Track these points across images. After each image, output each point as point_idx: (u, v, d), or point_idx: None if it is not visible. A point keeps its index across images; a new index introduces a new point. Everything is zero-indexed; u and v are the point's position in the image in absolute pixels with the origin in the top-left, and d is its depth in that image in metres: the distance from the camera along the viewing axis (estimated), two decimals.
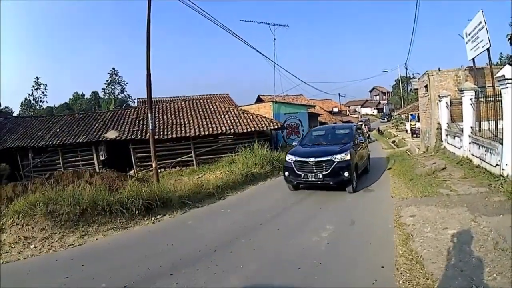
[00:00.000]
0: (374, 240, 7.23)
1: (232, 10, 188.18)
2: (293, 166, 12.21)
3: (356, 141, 13.25)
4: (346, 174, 11.48)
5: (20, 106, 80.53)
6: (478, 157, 11.86)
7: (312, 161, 11.86)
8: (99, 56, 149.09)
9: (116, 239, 8.75)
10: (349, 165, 11.63)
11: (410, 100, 61.51)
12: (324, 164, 11.70)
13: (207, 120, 23.42)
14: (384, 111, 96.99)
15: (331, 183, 11.69)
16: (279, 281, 5.76)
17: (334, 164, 11.51)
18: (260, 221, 9.38)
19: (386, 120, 75.37)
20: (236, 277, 5.95)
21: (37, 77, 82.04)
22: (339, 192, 12.09)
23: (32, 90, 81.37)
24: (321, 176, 11.60)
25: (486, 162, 10.94)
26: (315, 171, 11.80)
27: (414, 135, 32.06)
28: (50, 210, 9.23)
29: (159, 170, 14.86)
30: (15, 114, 64.86)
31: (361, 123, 49.89)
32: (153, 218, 10.27)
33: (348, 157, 11.72)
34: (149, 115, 14.10)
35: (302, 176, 11.95)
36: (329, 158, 11.67)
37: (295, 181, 12.40)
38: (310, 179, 11.86)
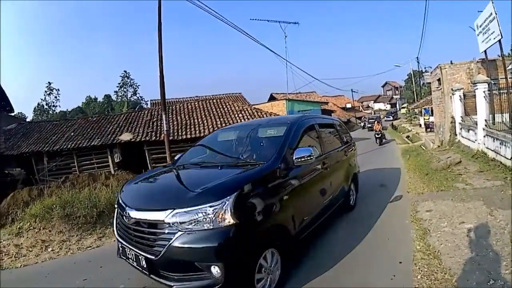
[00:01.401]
0: (391, 235, 7.22)
1: (243, 9, 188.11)
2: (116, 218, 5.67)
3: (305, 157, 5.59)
4: (215, 271, 4.16)
5: (33, 111, 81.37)
6: (493, 150, 11.80)
7: (133, 218, 4.78)
8: (110, 60, 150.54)
9: None
10: (226, 246, 4.17)
11: (423, 94, 60.97)
12: (147, 235, 4.64)
13: (221, 119, 23.36)
14: (397, 106, 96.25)
15: None
16: None
17: (170, 242, 4.25)
18: None
19: (391, 118, 71.90)
20: None
21: (49, 82, 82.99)
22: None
23: (44, 95, 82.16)
24: (144, 265, 4.64)
25: (501, 155, 10.88)
26: (134, 244, 4.80)
27: (428, 130, 31.79)
28: (67, 213, 9.38)
29: None
30: (28, 120, 65.44)
31: (372, 120, 51.47)
32: None
33: (230, 220, 4.22)
34: (163, 116, 14.22)
35: (121, 249, 5.23)
36: (160, 216, 4.43)
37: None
38: (131, 261, 4.95)
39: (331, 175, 7.38)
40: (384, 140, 31.33)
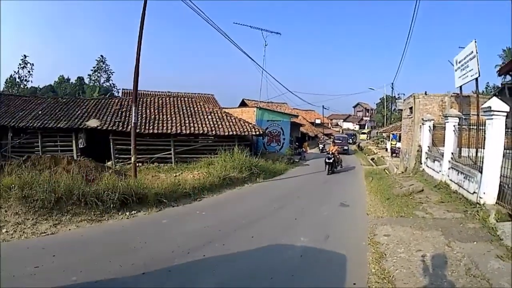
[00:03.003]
0: (347, 256, 7.24)
1: (225, 10, 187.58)
2: None
3: None
4: None
5: (5, 83, 78.81)
6: (456, 183, 11.99)
7: None
8: (88, 41, 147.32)
9: (89, 231, 8.65)
10: None
11: (393, 119, 62.01)
12: None
13: (190, 119, 23.40)
14: (366, 127, 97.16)
15: None
16: None
17: None
18: (234, 227, 9.35)
19: (350, 141, 69.49)
20: (207, 282, 5.91)
21: (24, 55, 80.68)
22: (315, 205, 12.22)
23: (18, 68, 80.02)
24: None
25: (464, 189, 11.06)
26: None
27: (394, 154, 32.25)
28: (25, 195, 9.13)
29: (136, 165, 14.71)
30: None
31: (339, 140, 44.70)
32: (127, 213, 10.21)
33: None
34: (133, 108, 14.06)
35: None
36: None
37: None
38: None
39: None
40: (340, 167, 24.61)
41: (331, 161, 22.32)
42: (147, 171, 18.50)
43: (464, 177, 11.19)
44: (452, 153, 13.20)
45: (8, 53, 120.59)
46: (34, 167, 11.65)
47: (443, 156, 13.81)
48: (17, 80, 79.85)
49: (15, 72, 79.90)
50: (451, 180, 12.64)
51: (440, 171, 14.08)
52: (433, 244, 7.36)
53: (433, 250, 6.99)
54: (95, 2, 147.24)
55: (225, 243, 7.99)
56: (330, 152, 23.04)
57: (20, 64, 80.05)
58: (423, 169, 17.35)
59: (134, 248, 7.44)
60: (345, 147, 43.84)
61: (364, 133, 79.98)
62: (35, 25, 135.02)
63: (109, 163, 19.14)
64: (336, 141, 44.11)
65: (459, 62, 15.90)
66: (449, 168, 12.98)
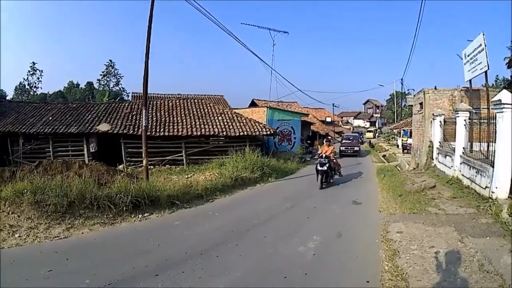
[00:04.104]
0: (360, 253, 7.24)
1: (233, 11, 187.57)
2: None
3: None
4: None
5: (14, 90, 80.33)
6: (468, 178, 11.91)
7: None
8: (97, 47, 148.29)
9: (102, 235, 8.71)
10: None
11: (403, 115, 61.59)
12: None
13: (200, 120, 23.37)
14: (377, 125, 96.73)
15: None
16: None
17: None
18: (247, 227, 9.36)
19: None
20: (221, 282, 5.94)
21: (33, 62, 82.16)
22: (327, 203, 12.23)
23: (27, 75, 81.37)
24: None
25: (476, 184, 10.98)
26: None
27: (405, 151, 32.10)
28: (37, 200, 9.17)
29: (148, 167, 14.76)
30: (8, 98, 64.33)
31: (348, 140, 38.65)
32: (140, 216, 10.24)
33: None
34: (144, 111, 14.07)
35: None
36: None
37: None
38: None
39: None
40: (338, 175, 17.69)
41: (324, 168, 15.50)
42: (159, 173, 18.55)
43: (476, 172, 11.11)
44: (463, 148, 13.09)
45: (17, 60, 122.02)
46: (46, 172, 11.71)
47: (454, 151, 13.71)
48: (27, 87, 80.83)
49: (24, 79, 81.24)
50: (463, 175, 12.55)
51: (451, 166, 13.99)
52: (446, 240, 7.31)
53: (446, 246, 6.95)
54: (103, 6, 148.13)
55: (238, 243, 8.03)
56: (323, 155, 16.05)
57: (29, 71, 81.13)
58: (435, 164, 17.24)
59: (147, 250, 7.48)
60: (356, 148, 36.44)
61: (370, 131, 79.50)
62: (43, 32, 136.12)
63: (120, 167, 19.21)
64: (344, 140, 38.94)
65: (468, 56, 15.71)
66: (460, 163, 12.89)
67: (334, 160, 17.01)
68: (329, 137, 25.21)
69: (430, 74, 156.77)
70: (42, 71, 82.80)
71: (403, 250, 7.12)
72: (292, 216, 10.80)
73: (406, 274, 5.96)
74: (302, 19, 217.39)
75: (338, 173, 17.58)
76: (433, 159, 17.78)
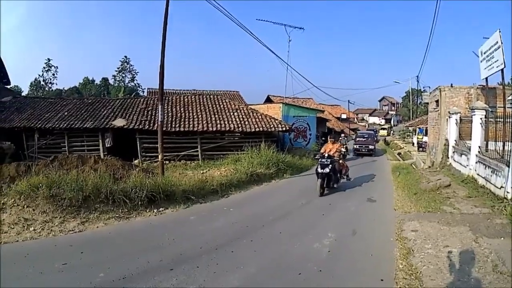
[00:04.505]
0: (375, 251, 7.24)
1: (248, 9, 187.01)
2: None
3: None
4: None
5: (30, 86, 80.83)
6: (483, 177, 11.83)
7: None
8: (112, 43, 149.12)
9: (117, 229, 8.81)
10: None
11: (419, 113, 61.08)
12: None
13: (216, 116, 23.37)
14: (392, 122, 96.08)
15: None
16: (279, 285, 5.79)
17: None
18: (262, 223, 9.38)
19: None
20: (235, 277, 5.98)
21: (48, 59, 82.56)
22: (342, 200, 12.26)
23: (42, 71, 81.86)
24: None
25: (491, 183, 10.91)
26: None
27: (420, 149, 31.81)
28: (52, 194, 9.30)
29: (164, 162, 14.85)
30: (23, 94, 64.94)
31: (362, 138, 35.74)
32: (155, 211, 10.34)
33: None
34: (159, 106, 14.16)
35: None
36: None
37: None
38: None
39: None
40: (346, 179, 15.30)
41: (326, 171, 12.94)
42: (174, 168, 18.60)
43: (491, 171, 11.03)
44: (479, 147, 12.99)
45: (33, 56, 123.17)
46: (61, 166, 11.81)
47: (470, 150, 13.61)
48: (42, 83, 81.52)
49: (39, 75, 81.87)
50: (478, 174, 12.47)
51: (467, 165, 13.90)
52: (460, 239, 7.30)
53: (461, 246, 6.93)
54: (118, 3, 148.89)
55: (253, 239, 8.07)
56: (326, 155, 13.57)
57: (44, 67, 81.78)
58: (450, 163, 17.14)
59: (162, 245, 7.56)
60: (370, 146, 33.34)
61: (384, 128, 78.27)
62: (58, 30, 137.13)
63: (136, 162, 19.27)
64: (358, 138, 36.24)
65: (484, 53, 15.56)
66: (476, 162, 12.80)
67: (340, 161, 14.43)
68: (342, 135, 24.63)
69: (446, 72, 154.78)
70: (57, 67, 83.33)
71: (418, 249, 7.11)
72: (307, 213, 10.79)
73: (420, 273, 5.96)
74: (318, 17, 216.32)
75: (345, 177, 15.12)
76: (448, 157, 17.67)
